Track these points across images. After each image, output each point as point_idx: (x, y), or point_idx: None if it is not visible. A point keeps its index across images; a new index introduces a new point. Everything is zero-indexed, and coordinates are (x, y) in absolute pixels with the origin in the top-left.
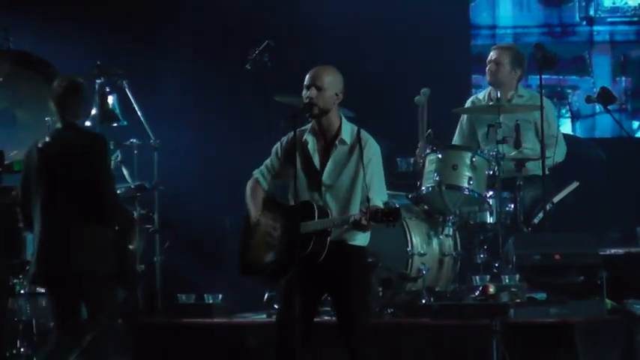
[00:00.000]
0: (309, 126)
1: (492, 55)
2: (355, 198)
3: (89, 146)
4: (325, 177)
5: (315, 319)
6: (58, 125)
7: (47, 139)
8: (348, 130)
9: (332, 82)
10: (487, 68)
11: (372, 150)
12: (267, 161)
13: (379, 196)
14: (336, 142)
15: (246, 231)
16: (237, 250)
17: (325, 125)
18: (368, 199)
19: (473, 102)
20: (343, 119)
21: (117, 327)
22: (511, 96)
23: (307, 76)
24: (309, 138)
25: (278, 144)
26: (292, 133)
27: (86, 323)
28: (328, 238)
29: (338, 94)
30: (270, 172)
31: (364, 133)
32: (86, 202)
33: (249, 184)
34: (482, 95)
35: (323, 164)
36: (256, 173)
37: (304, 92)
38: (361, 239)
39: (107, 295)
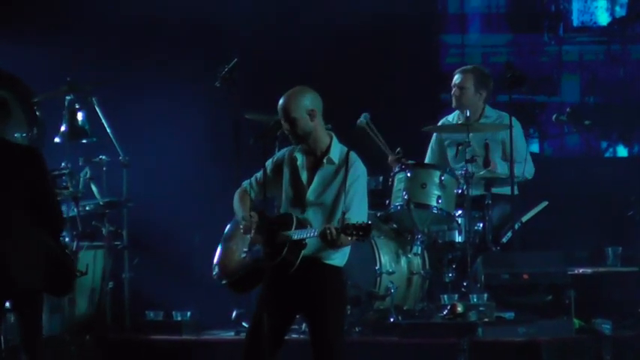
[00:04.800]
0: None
1: (456, 79)
2: (336, 218)
3: (29, 157)
4: (310, 193)
5: (286, 337)
6: None
7: None
8: (337, 151)
9: (299, 106)
10: (452, 93)
11: (357, 172)
12: (257, 174)
13: (356, 217)
14: (324, 160)
15: (229, 236)
16: (218, 254)
17: (313, 144)
18: (344, 214)
19: (443, 124)
20: (334, 139)
21: (85, 343)
22: (479, 116)
23: (278, 109)
24: (298, 155)
25: (270, 159)
26: (285, 149)
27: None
28: (302, 250)
29: (310, 112)
30: (259, 185)
31: (353, 155)
32: (29, 213)
33: (238, 192)
34: (452, 117)
35: (309, 181)
36: (245, 184)
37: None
38: (338, 259)
39: (41, 308)
